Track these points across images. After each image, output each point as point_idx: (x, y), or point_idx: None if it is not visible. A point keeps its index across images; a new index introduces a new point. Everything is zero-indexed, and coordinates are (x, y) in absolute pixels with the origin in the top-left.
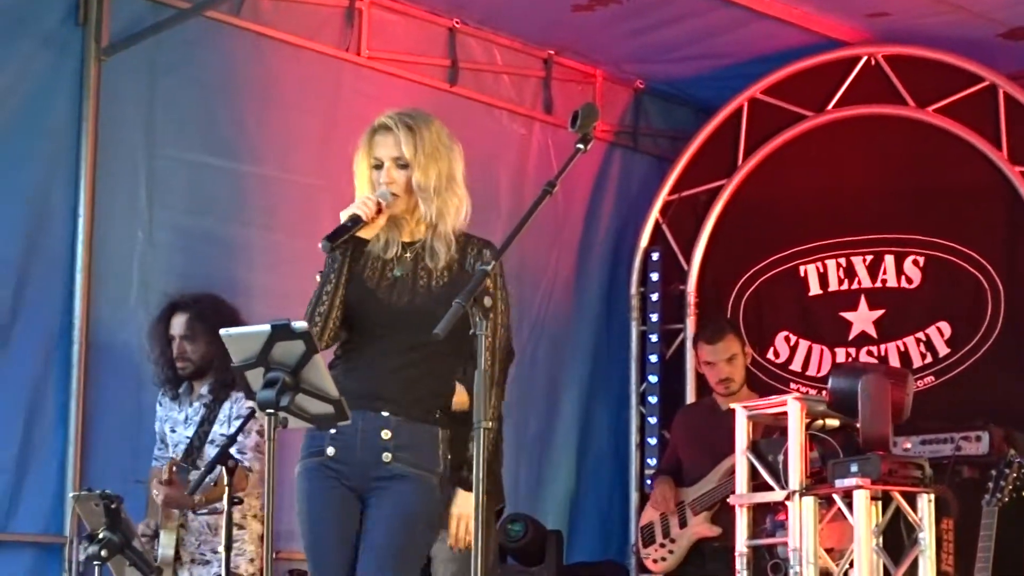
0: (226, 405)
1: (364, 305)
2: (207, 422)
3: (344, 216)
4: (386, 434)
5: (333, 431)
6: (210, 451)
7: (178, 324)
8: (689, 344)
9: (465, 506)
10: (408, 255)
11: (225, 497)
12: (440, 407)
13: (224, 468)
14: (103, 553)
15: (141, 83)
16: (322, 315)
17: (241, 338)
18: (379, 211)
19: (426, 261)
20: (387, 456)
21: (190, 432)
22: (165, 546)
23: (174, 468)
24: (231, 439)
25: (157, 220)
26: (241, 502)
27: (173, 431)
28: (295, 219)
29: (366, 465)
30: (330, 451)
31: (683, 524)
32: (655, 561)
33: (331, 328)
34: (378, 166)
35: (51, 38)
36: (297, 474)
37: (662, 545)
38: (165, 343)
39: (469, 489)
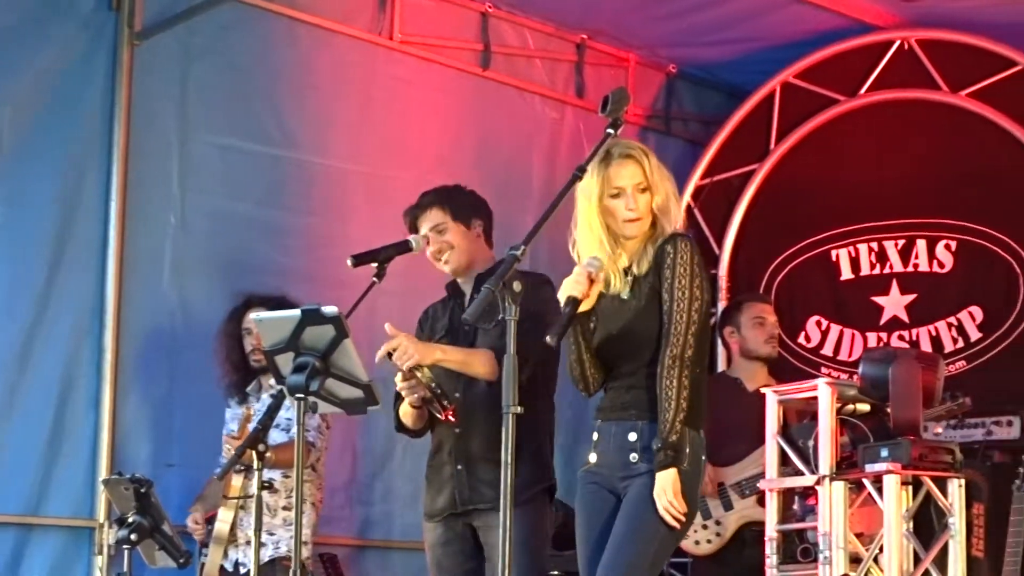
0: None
1: (603, 332)
2: (274, 409)
3: (561, 298)
4: (633, 436)
5: (595, 438)
6: (275, 434)
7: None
8: (718, 325)
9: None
10: (628, 277)
11: (255, 482)
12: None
13: (255, 452)
14: (133, 537)
15: (174, 68)
16: (577, 376)
17: (272, 323)
18: (591, 283)
19: (640, 276)
20: (634, 457)
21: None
22: (222, 521)
23: (248, 424)
24: (263, 426)
25: (190, 204)
26: (270, 486)
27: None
28: (329, 203)
29: (618, 467)
30: (592, 458)
31: (728, 507)
32: (697, 543)
33: (591, 381)
34: (617, 195)
35: (85, 23)
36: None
37: (704, 527)
38: (236, 341)
39: (660, 469)
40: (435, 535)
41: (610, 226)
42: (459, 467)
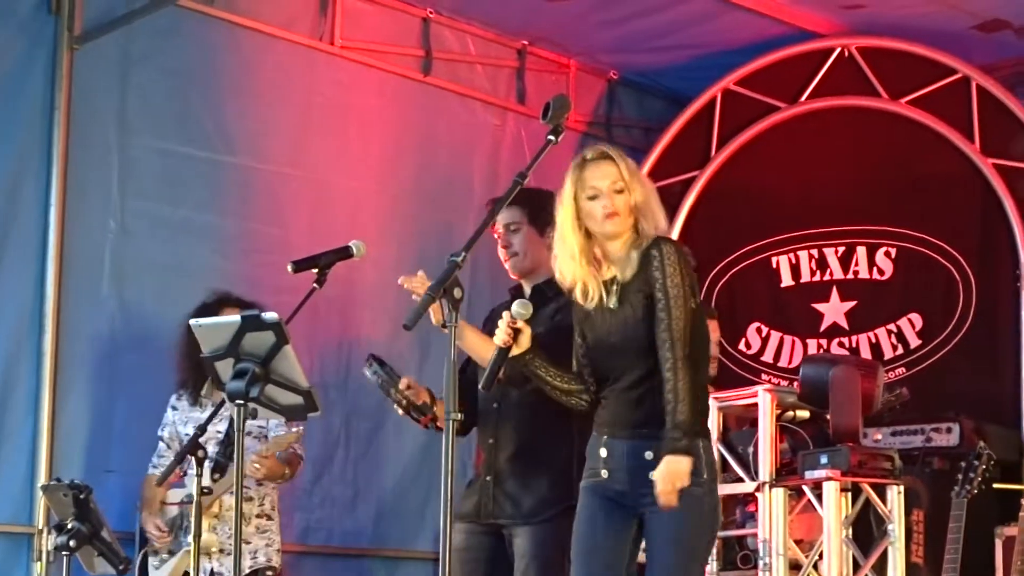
0: None
1: (596, 343)
2: (214, 415)
3: (496, 341)
4: (649, 455)
5: (604, 455)
6: (247, 442)
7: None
8: None
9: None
10: (614, 287)
11: (194, 487)
12: (692, 419)
13: (195, 458)
14: (72, 543)
15: (114, 72)
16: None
17: (211, 329)
18: (517, 331)
19: (626, 283)
20: (654, 475)
21: (221, 427)
22: (204, 530)
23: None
24: (201, 430)
25: (129, 209)
26: (211, 492)
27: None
28: (269, 208)
29: (635, 484)
30: (604, 473)
31: None
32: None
33: (573, 403)
34: (594, 196)
35: (24, 26)
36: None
37: None
38: None
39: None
40: (457, 540)
41: (590, 232)
42: (488, 478)
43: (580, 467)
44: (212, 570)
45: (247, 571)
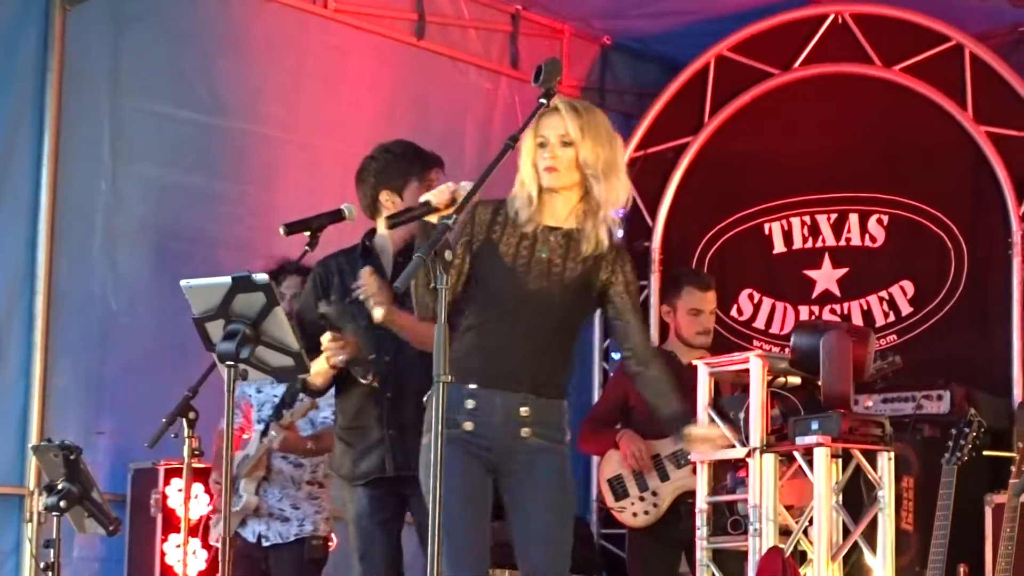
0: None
1: (500, 281)
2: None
3: (421, 199)
4: (524, 411)
5: (471, 406)
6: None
7: (293, 284)
8: (654, 299)
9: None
10: (552, 238)
11: (185, 449)
12: (564, 382)
13: (185, 420)
14: (62, 504)
15: (106, 33)
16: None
17: (202, 290)
18: (452, 201)
19: (572, 246)
20: (526, 431)
21: (279, 391)
22: (249, 492)
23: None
24: (193, 392)
25: (121, 171)
26: (203, 454)
27: (259, 391)
28: (261, 171)
29: (505, 440)
30: (468, 426)
31: (664, 477)
32: (634, 515)
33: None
34: (543, 144)
35: None
36: (424, 445)
37: (641, 499)
38: None
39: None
40: (361, 505)
41: (538, 180)
42: (391, 432)
43: None
44: (260, 533)
45: (292, 538)
